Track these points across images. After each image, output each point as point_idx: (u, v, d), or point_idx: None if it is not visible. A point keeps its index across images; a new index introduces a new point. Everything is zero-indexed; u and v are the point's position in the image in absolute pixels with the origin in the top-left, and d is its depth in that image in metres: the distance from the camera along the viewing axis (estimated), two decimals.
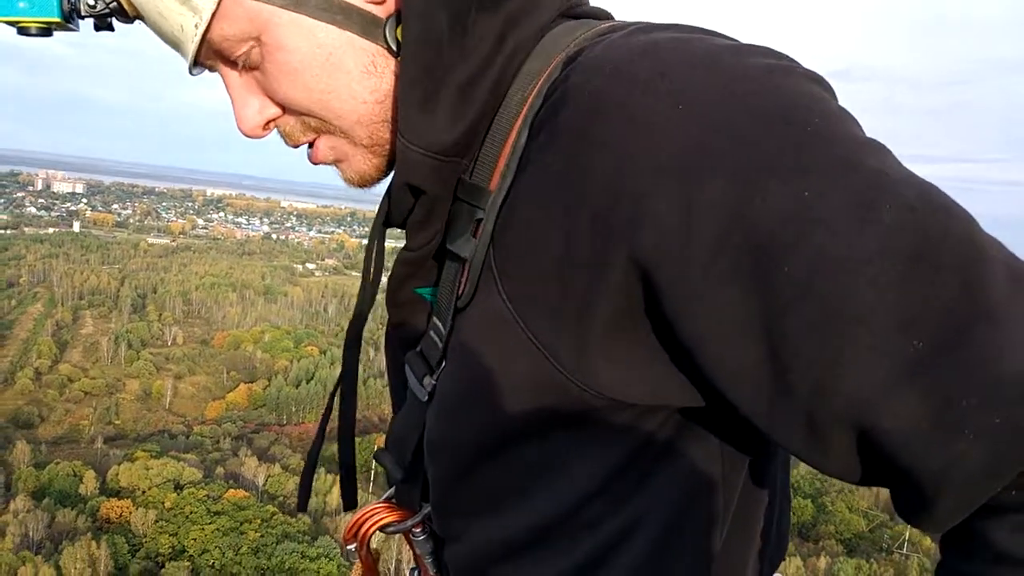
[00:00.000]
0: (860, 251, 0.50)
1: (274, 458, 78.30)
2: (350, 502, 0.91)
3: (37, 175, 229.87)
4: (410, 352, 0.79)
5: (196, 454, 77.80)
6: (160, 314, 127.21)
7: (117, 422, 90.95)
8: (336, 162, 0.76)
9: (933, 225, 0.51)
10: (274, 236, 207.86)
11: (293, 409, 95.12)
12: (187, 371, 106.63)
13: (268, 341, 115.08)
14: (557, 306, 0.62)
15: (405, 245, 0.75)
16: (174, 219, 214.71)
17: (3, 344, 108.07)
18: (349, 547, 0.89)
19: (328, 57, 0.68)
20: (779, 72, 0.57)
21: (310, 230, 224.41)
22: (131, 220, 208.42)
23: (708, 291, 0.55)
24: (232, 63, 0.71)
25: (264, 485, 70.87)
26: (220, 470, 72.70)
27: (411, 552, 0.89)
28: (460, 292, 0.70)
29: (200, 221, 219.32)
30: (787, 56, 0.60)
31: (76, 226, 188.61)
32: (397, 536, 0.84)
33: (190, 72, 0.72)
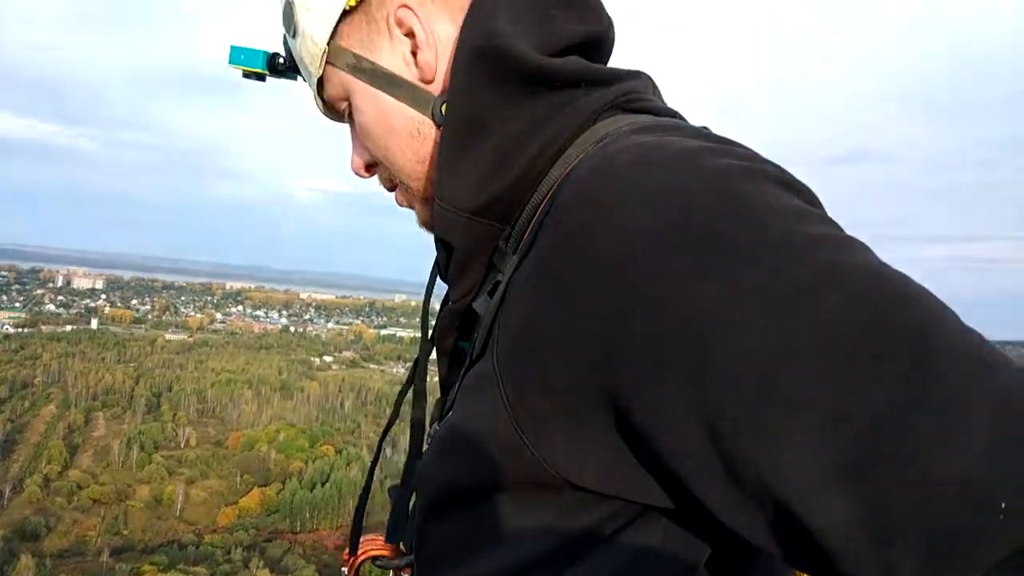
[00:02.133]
0: (796, 341, 0.50)
1: (287, 569, 74.64)
2: (353, 545, 0.98)
3: (58, 272, 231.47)
4: (438, 398, 0.90)
5: (206, 566, 74.25)
6: (174, 414, 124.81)
7: (125, 532, 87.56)
8: (410, 206, 0.92)
9: (883, 314, 0.50)
10: (292, 329, 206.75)
11: (307, 515, 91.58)
12: (200, 475, 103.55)
13: (283, 441, 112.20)
14: (528, 378, 0.66)
15: (449, 298, 0.85)
16: (192, 314, 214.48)
17: (14, 449, 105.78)
18: (343, 568, 0.94)
19: (385, 120, 0.84)
20: (742, 172, 0.60)
21: (328, 322, 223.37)
22: (149, 315, 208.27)
23: (649, 386, 0.57)
24: (348, 117, 0.91)
25: None
26: None
27: None
28: (474, 348, 0.77)
29: (218, 315, 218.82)
30: (765, 160, 0.64)
31: (94, 323, 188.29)
32: None
33: (323, 114, 0.95)
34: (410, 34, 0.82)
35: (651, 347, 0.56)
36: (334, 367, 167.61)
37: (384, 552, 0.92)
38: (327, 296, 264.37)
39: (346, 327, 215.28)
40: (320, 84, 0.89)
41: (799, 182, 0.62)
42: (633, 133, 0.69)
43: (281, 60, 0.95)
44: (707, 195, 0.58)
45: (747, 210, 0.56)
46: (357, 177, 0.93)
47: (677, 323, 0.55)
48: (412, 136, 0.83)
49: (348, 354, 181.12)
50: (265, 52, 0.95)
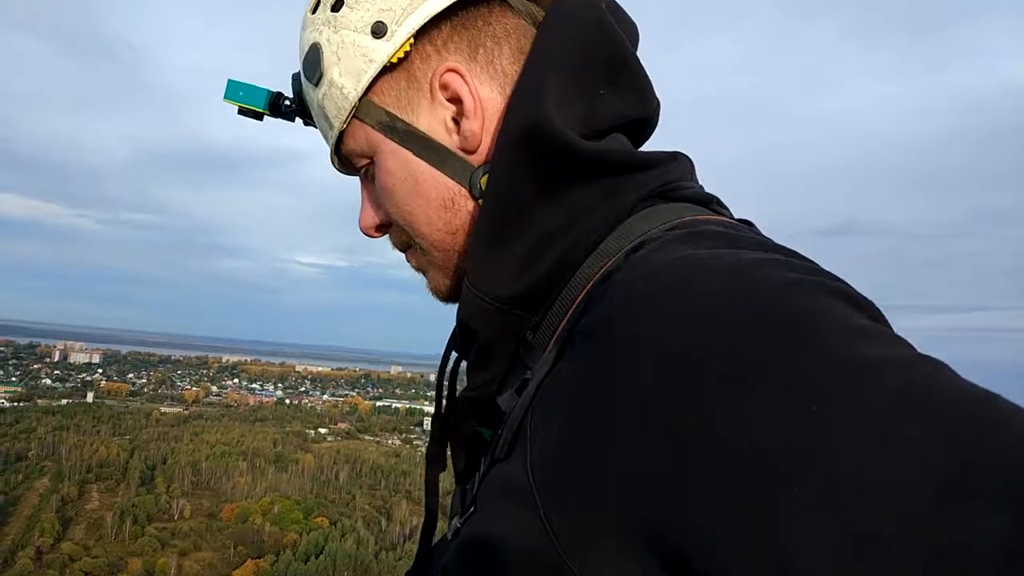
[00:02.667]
0: (880, 474, 0.44)
1: None
2: None
3: (55, 346, 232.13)
4: (457, 486, 0.83)
5: None
6: (168, 486, 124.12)
7: None
8: (421, 271, 0.88)
9: (976, 443, 0.44)
10: (287, 401, 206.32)
11: None
12: (193, 547, 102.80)
13: (277, 512, 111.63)
14: (571, 500, 0.61)
15: (467, 384, 0.81)
16: (188, 387, 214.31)
17: (7, 522, 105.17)
18: None
19: (415, 185, 0.80)
20: (804, 287, 0.55)
21: (323, 393, 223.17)
22: (145, 389, 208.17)
23: (710, 528, 0.50)
24: (363, 173, 0.87)
25: None
26: None
27: None
28: (498, 444, 0.71)
29: (214, 388, 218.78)
30: (826, 273, 0.59)
31: (90, 396, 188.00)
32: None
33: (336, 169, 0.90)
34: (454, 100, 0.79)
35: (712, 487, 0.50)
36: (329, 439, 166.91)
37: None
38: (323, 368, 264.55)
39: (341, 399, 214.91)
40: (339, 136, 0.84)
41: (863, 297, 0.58)
42: (683, 242, 0.64)
43: (287, 102, 0.91)
44: (767, 316, 0.53)
45: (812, 330, 0.51)
46: (365, 236, 0.89)
47: (739, 461, 0.49)
48: (444, 206, 0.80)
49: (343, 426, 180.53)
50: (267, 91, 0.91)
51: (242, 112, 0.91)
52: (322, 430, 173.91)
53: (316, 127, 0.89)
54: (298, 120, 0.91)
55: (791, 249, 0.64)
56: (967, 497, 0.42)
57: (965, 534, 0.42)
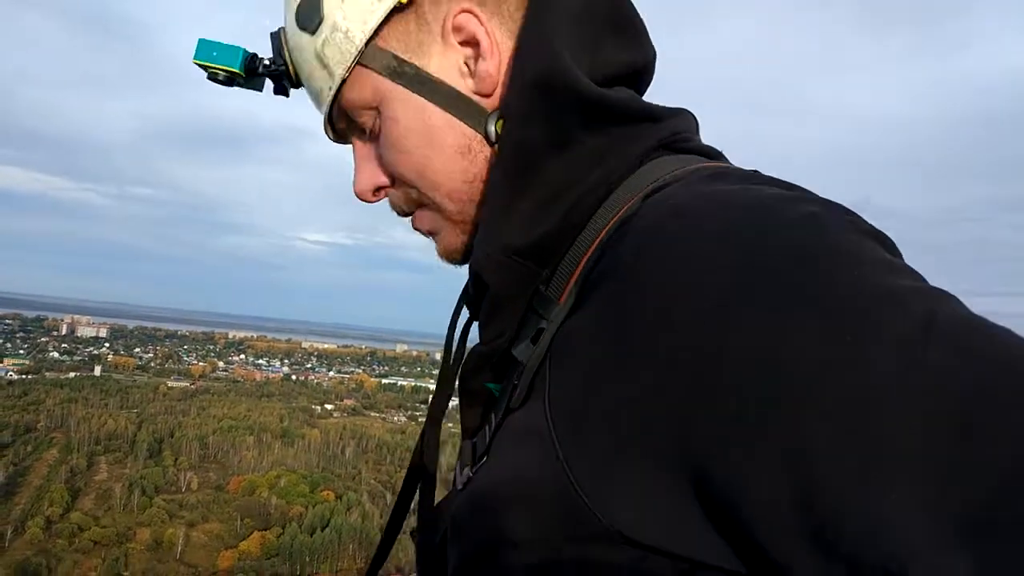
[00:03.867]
0: (903, 393, 0.46)
1: None
2: None
3: (63, 320, 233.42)
4: (465, 441, 0.81)
5: None
6: (176, 459, 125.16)
7: (126, 574, 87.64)
8: (431, 233, 0.84)
9: (994, 369, 0.46)
10: (294, 377, 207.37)
11: (307, 559, 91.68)
12: (200, 518, 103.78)
13: (283, 486, 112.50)
14: (591, 438, 0.61)
15: (479, 339, 0.78)
16: (195, 362, 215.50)
17: (16, 492, 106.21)
18: None
19: (429, 132, 0.76)
20: (828, 221, 0.56)
21: (330, 370, 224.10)
22: (152, 363, 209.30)
23: (736, 434, 0.51)
24: (360, 131, 0.82)
25: None
26: None
27: None
28: (513, 394, 0.71)
29: (221, 363, 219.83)
30: (846, 209, 0.60)
31: (97, 370, 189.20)
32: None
33: (327, 136, 0.84)
34: (468, 43, 0.76)
35: (732, 399, 0.51)
36: (335, 415, 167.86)
37: None
38: (329, 345, 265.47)
39: (347, 376, 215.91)
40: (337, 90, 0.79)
41: (879, 231, 0.59)
42: (699, 181, 0.65)
43: (267, 62, 0.84)
44: (795, 245, 0.54)
45: (840, 260, 0.53)
46: (361, 201, 0.84)
47: (769, 381, 0.50)
48: (462, 153, 0.76)
49: (349, 402, 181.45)
50: (244, 50, 0.84)
51: (212, 77, 0.83)
52: (328, 406, 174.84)
53: (297, 87, 0.85)
54: (274, 85, 0.84)
55: (808, 190, 0.64)
56: (989, 415, 0.44)
57: (988, 451, 0.44)
